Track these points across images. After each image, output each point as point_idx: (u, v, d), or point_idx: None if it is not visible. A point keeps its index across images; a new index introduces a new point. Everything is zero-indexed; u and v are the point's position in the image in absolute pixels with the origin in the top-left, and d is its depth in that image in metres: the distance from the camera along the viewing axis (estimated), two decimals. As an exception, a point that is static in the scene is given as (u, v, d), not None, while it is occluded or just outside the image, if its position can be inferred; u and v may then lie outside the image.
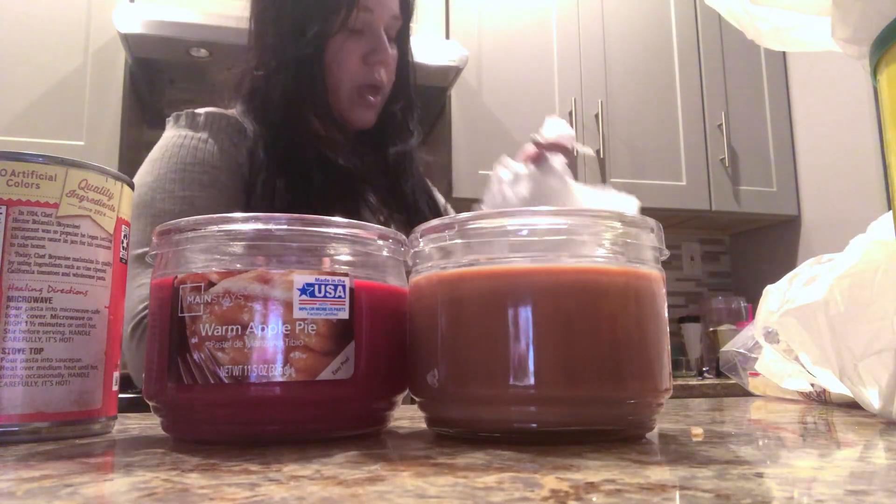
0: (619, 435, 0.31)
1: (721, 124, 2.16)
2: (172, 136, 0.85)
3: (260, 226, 0.32)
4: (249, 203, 0.81)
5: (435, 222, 0.33)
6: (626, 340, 0.30)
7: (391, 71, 0.90)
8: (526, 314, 0.29)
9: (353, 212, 0.84)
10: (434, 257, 0.33)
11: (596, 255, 0.31)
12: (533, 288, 0.30)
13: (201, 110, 0.87)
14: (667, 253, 0.34)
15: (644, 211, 0.33)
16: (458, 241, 0.32)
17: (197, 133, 0.84)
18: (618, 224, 0.32)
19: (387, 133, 0.94)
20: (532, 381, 0.29)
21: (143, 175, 0.81)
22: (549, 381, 0.29)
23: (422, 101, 0.99)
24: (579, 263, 0.31)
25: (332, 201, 0.83)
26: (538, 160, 0.91)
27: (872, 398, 0.40)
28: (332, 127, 0.90)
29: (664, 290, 0.33)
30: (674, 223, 2.31)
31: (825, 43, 0.43)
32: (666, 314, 0.33)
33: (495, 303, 0.30)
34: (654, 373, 0.31)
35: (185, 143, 0.83)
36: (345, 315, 0.31)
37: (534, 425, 0.30)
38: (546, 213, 0.32)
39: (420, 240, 0.34)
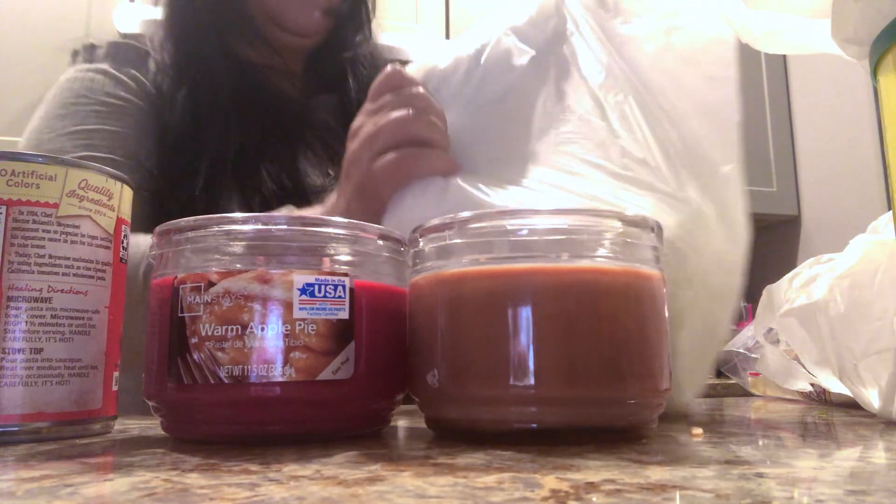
0: (620, 435, 0.31)
1: (721, 124, 2.15)
2: (66, 73, 0.72)
3: (260, 226, 0.32)
4: (167, 143, 0.67)
5: (435, 221, 0.33)
6: (627, 340, 0.30)
7: None
8: (526, 314, 0.29)
9: (287, 160, 0.69)
10: (434, 257, 0.33)
11: (596, 254, 0.31)
12: (533, 288, 0.30)
13: (103, 41, 0.74)
14: (667, 253, 0.34)
15: (644, 211, 0.33)
16: (458, 240, 0.32)
17: (94, 64, 0.71)
18: (618, 224, 0.32)
19: (339, 50, 0.77)
20: (532, 381, 0.29)
21: (31, 120, 0.68)
22: (550, 382, 0.29)
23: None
24: (579, 263, 0.31)
25: (259, 140, 0.67)
26: None
27: (872, 398, 0.40)
28: (268, 49, 0.74)
29: (665, 290, 0.33)
30: (674, 223, 2.31)
31: (821, 45, 0.43)
32: (667, 314, 0.33)
33: (495, 303, 0.30)
34: (654, 373, 0.31)
35: (79, 76, 0.70)
36: (345, 315, 0.31)
37: (534, 425, 0.30)
38: (546, 213, 0.32)
39: (420, 240, 0.34)
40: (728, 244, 0.42)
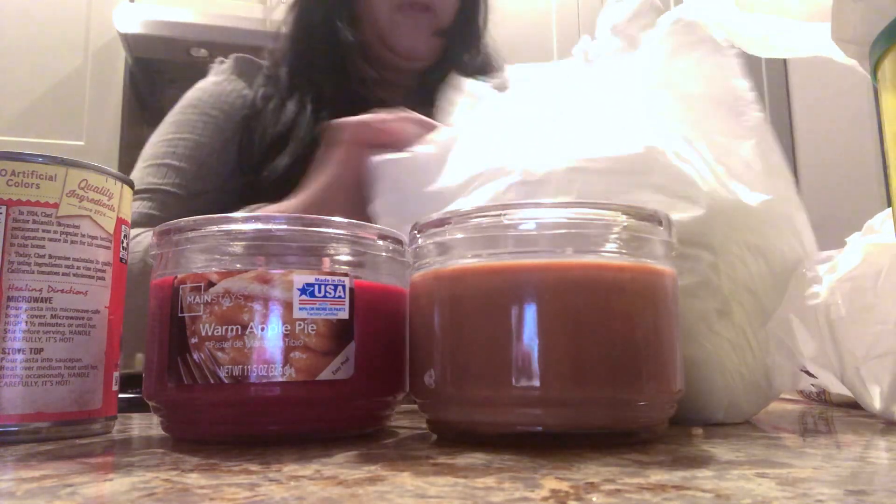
0: (629, 439, 0.30)
1: (721, 124, 2.15)
2: (199, 82, 0.84)
3: (260, 226, 0.32)
4: (251, 148, 0.77)
5: (434, 216, 0.32)
6: (637, 339, 0.29)
7: None
8: (530, 312, 0.28)
9: None
10: (433, 253, 0.32)
11: (603, 249, 0.30)
12: (537, 284, 0.29)
13: (231, 56, 0.85)
14: (679, 247, 0.33)
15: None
16: (458, 235, 0.31)
17: (216, 77, 0.83)
18: (626, 217, 0.30)
19: (449, 69, 0.80)
20: (537, 382, 0.28)
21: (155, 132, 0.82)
22: (555, 382, 0.28)
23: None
24: (586, 258, 0.30)
25: None
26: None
27: (874, 399, 0.40)
28: (379, 67, 0.80)
29: (677, 287, 0.32)
30: (674, 223, 2.31)
31: (814, 48, 0.43)
32: (679, 312, 0.32)
33: (497, 300, 0.29)
34: (666, 373, 0.30)
35: (200, 86, 0.83)
36: (345, 315, 0.31)
37: (539, 428, 0.29)
38: (551, 206, 0.31)
39: (418, 236, 0.33)
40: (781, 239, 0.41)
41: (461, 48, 0.82)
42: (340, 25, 0.78)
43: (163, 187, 0.74)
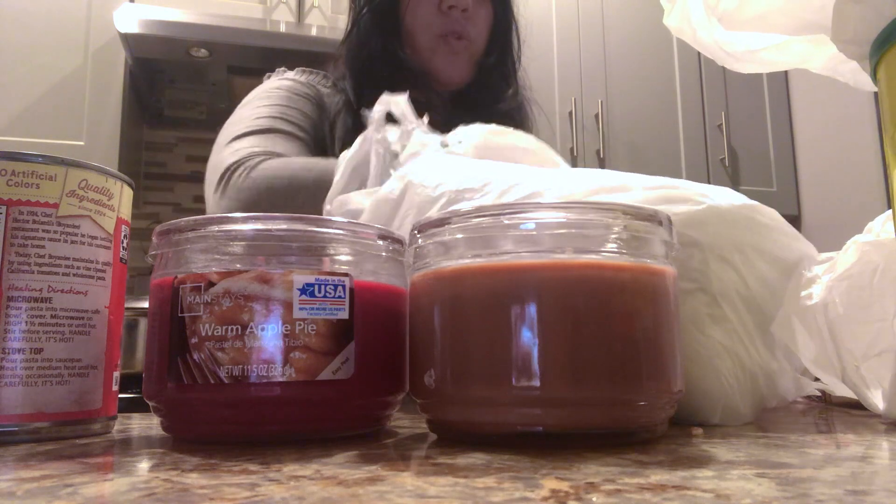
0: (629, 439, 0.30)
1: (721, 124, 2.16)
2: (261, 85, 0.93)
3: (260, 226, 0.32)
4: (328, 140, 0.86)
5: (434, 217, 0.32)
6: (637, 339, 0.29)
7: (479, 24, 0.88)
8: (530, 312, 0.28)
9: None
10: (433, 254, 0.32)
11: (604, 249, 0.30)
12: (537, 284, 0.29)
13: (293, 68, 0.95)
14: (679, 247, 0.33)
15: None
16: (459, 235, 0.31)
17: (284, 76, 0.93)
18: (627, 217, 0.30)
19: (483, 94, 0.91)
20: (537, 382, 0.28)
21: (234, 113, 0.89)
22: (555, 382, 0.28)
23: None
24: (586, 258, 0.30)
25: None
26: None
27: (877, 399, 0.40)
28: (422, 89, 0.87)
29: (677, 287, 0.32)
30: (674, 223, 2.31)
31: (799, 61, 0.43)
32: (679, 312, 0.32)
33: (497, 299, 0.29)
34: (667, 373, 0.30)
35: (272, 81, 0.92)
36: (345, 315, 0.31)
37: (539, 428, 0.29)
38: (551, 207, 0.31)
39: (419, 236, 0.33)
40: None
41: (494, 74, 0.92)
42: (401, 53, 0.86)
43: (284, 128, 0.82)
